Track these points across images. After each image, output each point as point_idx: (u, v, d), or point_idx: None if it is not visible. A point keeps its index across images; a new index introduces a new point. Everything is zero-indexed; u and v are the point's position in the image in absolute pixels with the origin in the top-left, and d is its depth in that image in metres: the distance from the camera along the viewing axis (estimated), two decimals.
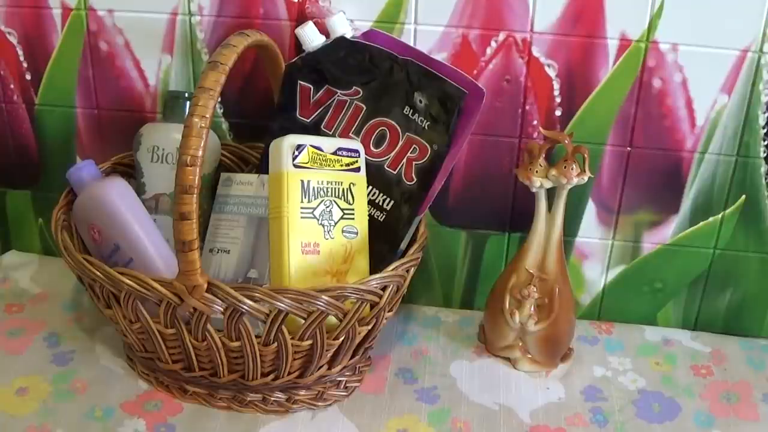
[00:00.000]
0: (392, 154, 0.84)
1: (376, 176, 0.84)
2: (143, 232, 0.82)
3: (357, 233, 0.81)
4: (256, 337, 0.76)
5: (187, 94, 0.90)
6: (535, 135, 0.91)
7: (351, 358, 0.84)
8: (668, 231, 0.94)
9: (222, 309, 0.73)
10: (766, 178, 0.89)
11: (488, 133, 0.91)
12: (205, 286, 0.72)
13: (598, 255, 0.97)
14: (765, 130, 0.87)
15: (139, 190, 0.88)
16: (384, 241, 0.83)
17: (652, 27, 0.84)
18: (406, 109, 0.83)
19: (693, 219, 0.93)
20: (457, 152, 0.83)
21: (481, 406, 0.85)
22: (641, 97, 0.87)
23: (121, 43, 0.94)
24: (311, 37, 0.84)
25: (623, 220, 0.94)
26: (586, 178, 0.84)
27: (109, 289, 0.77)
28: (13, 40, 0.96)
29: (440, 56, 0.87)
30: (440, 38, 0.88)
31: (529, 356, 0.91)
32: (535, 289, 0.87)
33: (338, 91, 0.85)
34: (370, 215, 0.83)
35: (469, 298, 1.02)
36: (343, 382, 0.85)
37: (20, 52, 0.96)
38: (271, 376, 0.80)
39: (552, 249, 0.87)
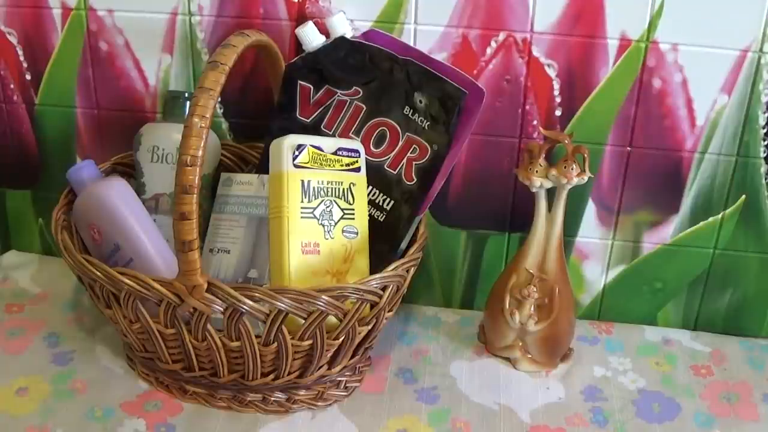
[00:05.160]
0: (392, 154, 0.84)
1: (376, 176, 0.84)
2: (143, 232, 0.82)
3: (357, 233, 0.81)
4: (256, 337, 0.76)
5: (187, 94, 0.90)
6: (535, 135, 0.91)
7: (351, 358, 0.84)
8: (668, 231, 0.94)
9: (222, 309, 0.73)
10: (766, 178, 0.89)
11: (488, 133, 0.91)
12: (205, 286, 0.72)
13: (598, 255, 0.97)
14: (765, 130, 0.87)
15: (139, 190, 0.88)
16: (384, 241, 0.83)
17: (652, 27, 0.84)
18: (406, 109, 0.83)
19: (693, 219, 0.93)
20: (457, 152, 0.83)
21: (481, 406, 0.85)
22: (641, 97, 0.87)
23: (121, 43, 0.94)
24: (311, 37, 0.84)
25: (623, 220, 0.94)
26: (586, 178, 0.84)
27: (109, 289, 0.77)
28: (13, 40, 0.96)
29: (440, 56, 0.87)
30: (440, 38, 0.88)
31: (529, 356, 0.91)
32: (535, 289, 0.87)
33: (338, 91, 0.85)
34: (370, 215, 0.83)
35: (469, 298, 1.02)
36: (343, 382, 0.85)
37: (20, 52, 0.96)
38: (271, 376, 0.80)
39: (552, 249, 0.87)
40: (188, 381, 0.82)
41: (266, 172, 0.80)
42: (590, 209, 0.94)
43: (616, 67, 0.86)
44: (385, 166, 0.84)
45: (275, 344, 0.76)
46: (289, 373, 0.80)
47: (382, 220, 0.84)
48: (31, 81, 0.98)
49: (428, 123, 0.82)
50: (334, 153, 0.80)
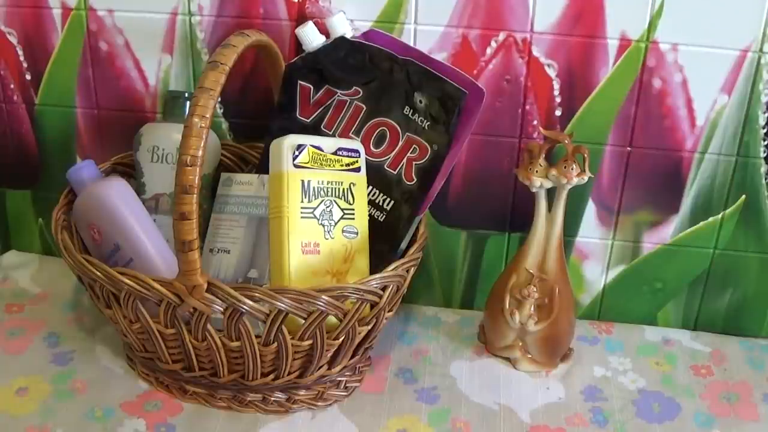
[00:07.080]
0: (392, 154, 0.84)
1: (376, 176, 0.84)
2: (143, 232, 0.82)
3: (357, 233, 0.81)
4: (256, 337, 0.76)
5: (187, 94, 0.90)
6: (535, 135, 0.91)
7: (351, 358, 0.84)
8: (668, 231, 0.94)
9: (222, 309, 0.73)
10: (766, 178, 0.89)
11: (488, 133, 0.91)
12: (205, 286, 0.72)
13: (598, 255, 0.97)
14: (765, 130, 0.87)
15: (139, 190, 0.88)
16: (384, 241, 0.83)
17: (652, 27, 0.84)
18: (406, 109, 0.83)
19: (693, 219, 0.93)
20: (457, 152, 0.83)
21: (481, 406, 0.85)
22: (641, 97, 0.87)
23: (121, 43, 0.94)
24: (311, 37, 0.84)
25: (623, 220, 0.94)
26: (586, 178, 0.84)
27: (109, 289, 0.77)
28: (13, 40, 0.96)
29: (440, 56, 0.87)
30: (440, 38, 0.88)
31: (529, 356, 0.91)
32: (535, 289, 0.87)
33: (338, 91, 0.85)
34: (370, 215, 0.83)
35: (469, 298, 1.02)
36: (343, 382, 0.85)
37: (20, 52, 0.96)
38: (271, 376, 0.80)
39: (552, 249, 0.87)
40: (188, 381, 0.82)
41: (266, 172, 0.80)
42: (590, 209, 0.94)
43: (616, 67, 0.86)
44: (385, 166, 0.84)
45: (275, 344, 0.76)
46: (289, 373, 0.80)
47: (382, 220, 0.84)
48: (31, 81, 0.98)
49: (428, 123, 0.82)
50: (334, 153, 0.80)
